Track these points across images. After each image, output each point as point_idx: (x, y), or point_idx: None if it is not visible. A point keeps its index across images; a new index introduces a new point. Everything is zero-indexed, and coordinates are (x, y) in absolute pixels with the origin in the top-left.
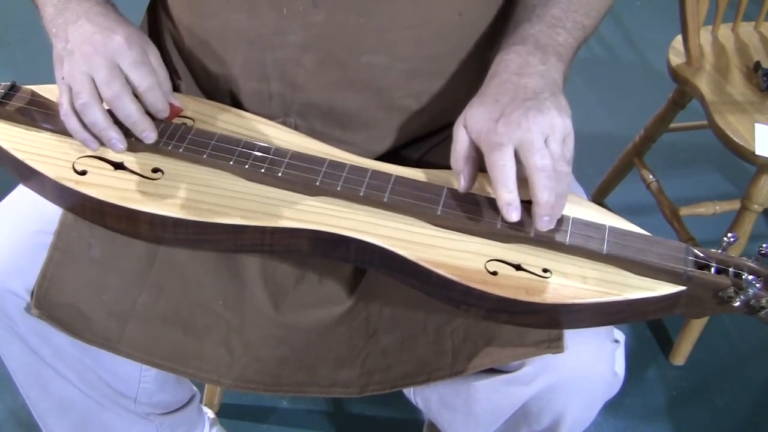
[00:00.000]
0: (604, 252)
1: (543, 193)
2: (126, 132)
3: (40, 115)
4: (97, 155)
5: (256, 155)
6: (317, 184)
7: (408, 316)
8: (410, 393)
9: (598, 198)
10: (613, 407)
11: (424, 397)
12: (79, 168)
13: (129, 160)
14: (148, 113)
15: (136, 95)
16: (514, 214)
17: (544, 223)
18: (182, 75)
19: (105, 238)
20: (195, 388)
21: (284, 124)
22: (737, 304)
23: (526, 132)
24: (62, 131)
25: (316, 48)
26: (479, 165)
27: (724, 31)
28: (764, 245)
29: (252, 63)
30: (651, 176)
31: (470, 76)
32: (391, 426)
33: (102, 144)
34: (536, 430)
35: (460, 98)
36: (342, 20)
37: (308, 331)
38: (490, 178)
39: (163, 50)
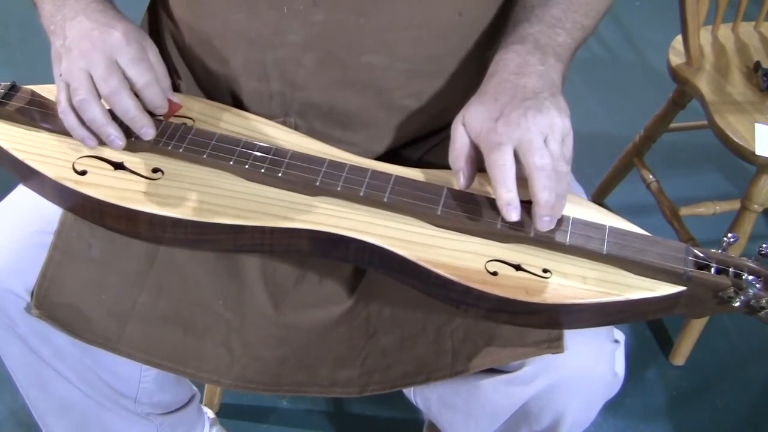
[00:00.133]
0: (604, 252)
1: (543, 193)
2: (126, 131)
3: (40, 115)
4: (97, 155)
5: (256, 155)
6: (317, 184)
7: (408, 316)
8: (410, 393)
9: (598, 198)
10: (613, 407)
11: (424, 397)
12: (79, 168)
13: (129, 160)
14: (148, 111)
15: (135, 92)
16: (513, 214)
17: (544, 223)
18: (182, 74)
19: (105, 238)
20: (195, 388)
21: (284, 123)
22: (737, 304)
23: (526, 132)
24: (62, 131)
25: (316, 48)
26: (478, 164)
27: (724, 31)
28: (764, 245)
29: (252, 62)
30: (651, 176)
31: (470, 75)
32: (391, 426)
33: (100, 142)
34: (536, 430)
35: (460, 98)
36: (342, 20)
37: (308, 331)
38: (490, 178)
39: (164, 50)
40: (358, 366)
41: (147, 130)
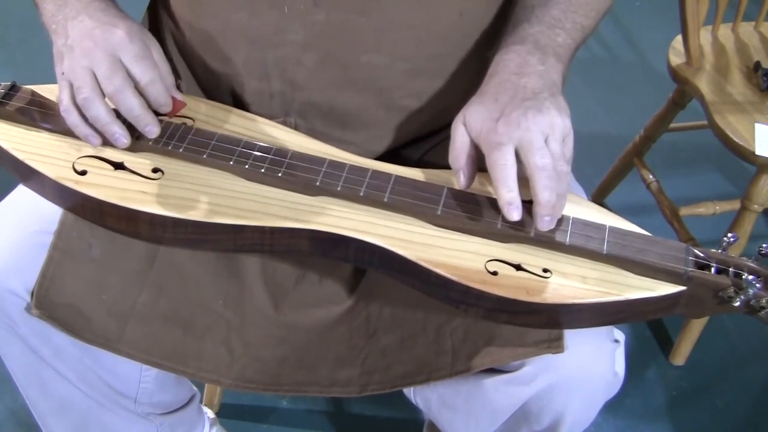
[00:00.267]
0: (604, 252)
1: (544, 193)
2: (129, 130)
3: (41, 115)
4: (98, 155)
5: (256, 155)
6: (317, 184)
7: (408, 316)
8: (410, 393)
9: (598, 198)
10: (613, 407)
11: (424, 396)
12: (79, 168)
13: (129, 160)
14: (152, 109)
15: (139, 90)
16: (515, 213)
17: (545, 222)
18: (182, 74)
19: (105, 238)
20: (195, 388)
21: (284, 123)
22: (737, 304)
23: (526, 131)
24: (62, 131)
25: (317, 47)
26: (478, 163)
27: (724, 31)
28: (764, 245)
29: (253, 62)
30: (651, 176)
31: (470, 75)
32: (391, 426)
33: (104, 140)
34: (536, 430)
35: (460, 98)
36: (343, 19)
37: (308, 330)
38: (491, 178)
39: (164, 49)
40: (358, 366)
41: (151, 128)
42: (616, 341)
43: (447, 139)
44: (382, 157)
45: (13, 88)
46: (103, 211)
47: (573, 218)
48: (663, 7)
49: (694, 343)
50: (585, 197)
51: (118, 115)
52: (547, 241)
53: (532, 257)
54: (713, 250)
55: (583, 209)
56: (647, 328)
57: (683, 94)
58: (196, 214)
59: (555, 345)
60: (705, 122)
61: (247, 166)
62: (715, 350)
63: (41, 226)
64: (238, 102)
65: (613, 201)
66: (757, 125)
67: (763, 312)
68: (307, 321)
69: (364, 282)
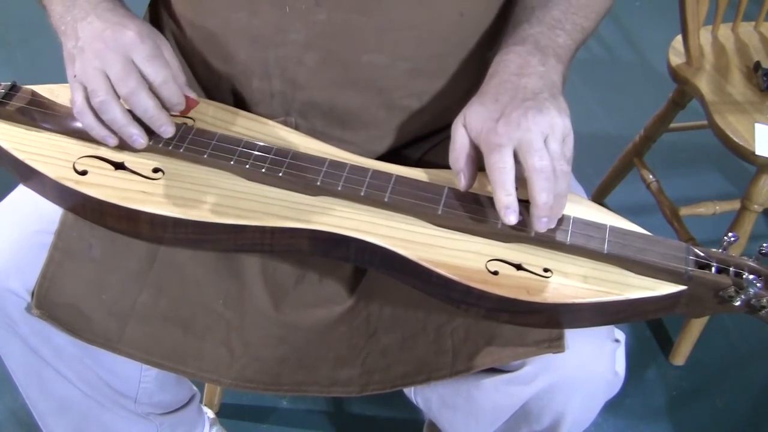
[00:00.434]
0: (605, 251)
1: (541, 195)
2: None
3: (41, 115)
4: (98, 155)
5: (256, 155)
6: (318, 184)
7: (408, 316)
8: (410, 393)
9: (598, 198)
10: (613, 407)
11: (424, 396)
12: (80, 168)
13: (129, 160)
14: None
15: (152, 90)
16: (512, 217)
17: (542, 224)
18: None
19: (105, 237)
20: (195, 388)
21: (285, 123)
22: (738, 303)
23: (526, 132)
24: (63, 131)
25: (318, 46)
26: (479, 164)
27: (724, 31)
28: (765, 245)
29: (253, 61)
30: (651, 176)
31: (471, 76)
32: (391, 426)
33: (120, 140)
34: (537, 430)
35: (460, 98)
36: (344, 19)
37: (308, 330)
38: (490, 180)
39: None
40: (358, 365)
41: (166, 128)
42: (617, 341)
43: (447, 138)
44: (383, 157)
45: (13, 88)
46: (104, 211)
47: (573, 218)
48: (663, 7)
49: (694, 343)
50: (585, 197)
51: (132, 115)
52: (547, 241)
53: (533, 257)
54: (714, 250)
55: (583, 209)
56: (647, 328)
57: (683, 94)
58: (197, 214)
59: (555, 345)
60: (705, 122)
61: (247, 166)
62: (715, 350)
63: (41, 226)
64: (239, 101)
65: (613, 201)
66: (757, 125)
67: (763, 311)
68: (307, 321)
69: (364, 282)
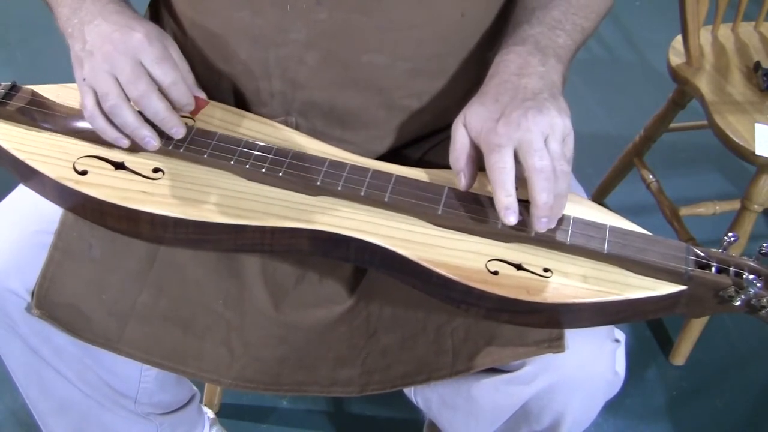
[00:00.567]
0: (605, 251)
1: (541, 195)
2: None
3: (41, 115)
4: (98, 155)
5: (256, 155)
6: (318, 183)
7: (408, 316)
8: (411, 393)
9: (598, 198)
10: (613, 407)
11: (424, 396)
12: (80, 168)
13: (129, 160)
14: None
15: (162, 92)
16: (511, 218)
17: (542, 224)
18: None
19: (105, 237)
20: (195, 388)
21: (285, 123)
22: (738, 303)
23: (526, 132)
24: (63, 131)
25: (319, 46)
26: (479, 164)
27: (724, 31)
28: (765, 245)
29: (254, 61)
30: (651, 176)
31: (471, 76)
32: (391, 426)
33: (132, 142)
34: (537, 430)
35: (460, 98)
36: (345, 19)
37: (308, 330)
38: (490, 180)
39: None
40: (358, 365)
41: (177, 130)
42: (617, 341)
43: (448, 138)
44: (383, 157)
45: (14, 88)
46: (104, 211)
47: (574, 218)
48: (663, 7)
49: (694, 343)
50: (585, 197)
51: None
52: (547, 241)
53: (533, 257)
54: (714, 250)
55: (583, 209)
56: (647, 328)
57: (683, 94)
58: (197, 213)
59: (555, 345)
60: (705, 122)
61: (247, 166)
62: (715, 350)
63: (41, 226)
64: (239, 101)
65: (613, 201)
66: (757, 125)
67: (763, 311)
68: (307, 321)
69: (364, 282)
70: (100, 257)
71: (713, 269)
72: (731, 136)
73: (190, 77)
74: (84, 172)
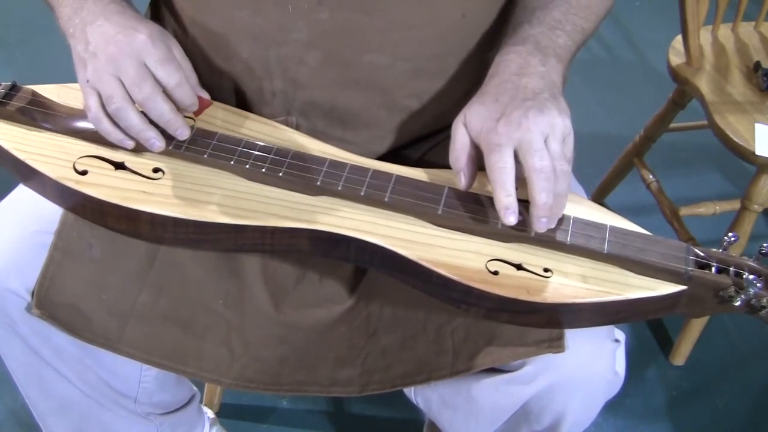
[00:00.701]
0: (605, 251)
1: (541, 195)
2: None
3: (41, 115)
4: (98, 155)
5: (257, 155)
6: (318, 183)
7: (408, 316)
8: (411, 393)
9: (598, 198)
10: (613, 407)
11: (424, 396)
12: (80, 168)
13: (130, 160)
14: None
15: (166, 93)
16: (511, 218)
17: (542, 224)
18: None
19: (105, 237)
20: (195, 388)
21: (286, 122)
22: (738, 303)
23: (526, 132)
24: (63, 131)
25: (320, 46)
26: (479, 163)
27: (724, 31)
28: (765, 245)
29: (255, 60)
30: (651, 176)
31: (471, 76)
32: (391, 426)
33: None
34: (537, 430)
35: (461, 98)
36: (346, 18)
37: (308, 330)
38: (490, 180)
39: None
40: (358, 365)
41: (182, 131)
42: (617, 341)
43: (448, 138)
44: (383, 157)
45: (14, 88)
46: (104, 211)
47: (574, 218)
48: (663, 7)
49: (694, 343)
50: (585, 197)
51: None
52: (548, 241)
53: (533, 257)
54: (714, 250)
55: (583, 209)
56: (647, 328)
57: (683, 94)
58: (197, 213)
59: (556, 344)
60: (705, 122)
61: (247, 166)
62: (715, 350)
63: (41, 226)
64: (240, 100)
65: (613, 201)
66: (757, 125)
67: (763, 311)
68: (307, 321)
69: (364, 282)
70: (100, 257)
71: (713, 269)
72: (731, 136)
73: (194, 77)
74: (84, 172)
